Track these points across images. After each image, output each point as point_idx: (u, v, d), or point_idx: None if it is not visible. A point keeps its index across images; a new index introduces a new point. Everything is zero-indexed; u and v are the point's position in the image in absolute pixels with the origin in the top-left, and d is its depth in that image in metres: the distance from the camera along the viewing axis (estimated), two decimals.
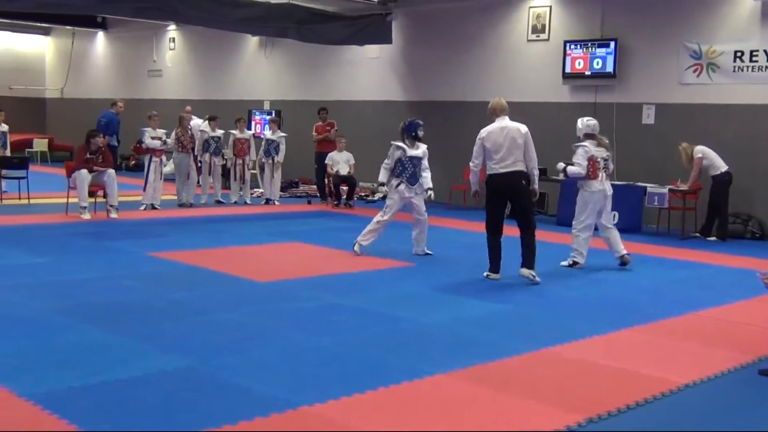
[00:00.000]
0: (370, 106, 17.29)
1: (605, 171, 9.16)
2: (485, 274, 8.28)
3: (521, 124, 8.20)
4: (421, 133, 9.48)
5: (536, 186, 8.29)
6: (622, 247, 9.20)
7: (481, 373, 5.16)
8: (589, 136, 9.15)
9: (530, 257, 8.10)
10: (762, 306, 7.20)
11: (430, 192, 9.65)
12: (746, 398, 4.97)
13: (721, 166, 11.97)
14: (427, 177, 9.60)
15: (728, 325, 6.75)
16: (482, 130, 8.28)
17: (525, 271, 8.07)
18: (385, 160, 9.53)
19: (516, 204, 8.21)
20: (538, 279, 8.05)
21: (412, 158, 9.39)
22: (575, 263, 9.15)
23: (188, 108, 16.59)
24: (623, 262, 9.19)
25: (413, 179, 9.42)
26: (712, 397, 4.92)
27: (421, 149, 9.49)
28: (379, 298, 7.34)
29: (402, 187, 9.39)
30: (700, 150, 12.02)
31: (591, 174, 9.04)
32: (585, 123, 9.21)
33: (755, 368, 5.47)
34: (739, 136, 12.49)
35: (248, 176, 15.42)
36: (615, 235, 9.20)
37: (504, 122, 8.19)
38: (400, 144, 9.39)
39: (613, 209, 12.17)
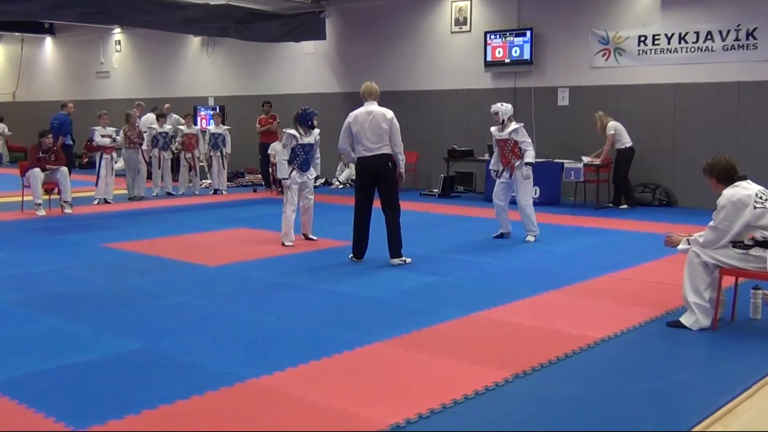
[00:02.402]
0: (308, 99, 17.02)
1: None
2: (349, 256, 7.99)
3: (387, 110, 7.76)
4: (315, 122, 9.09)
5: (402, 170, 7.86)
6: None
7: (417, 338, 5.20)
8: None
9: (395, 247, 7.79)
10: (670, 265, 7.36)
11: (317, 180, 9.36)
12: (656, 348, 5.09)
13: (627, 141, 12.22)
14: (317, 164, 9.31)
15: (640, 284, 6.91)
16: (350, 114, 7.85)
17: (395, 261, 7.76)
18: (281, 154, 9.07)
19: (381, 187, 7.84)
20: (409, 260, 7.80)
21: (303, 145, 8.99)
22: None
23: (167, 105, 16.82)
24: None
25: (305, 166, 9.07)
26: (625, 349, 5.04)
27: (313, 135, 9.09)
28: (322, 275, 7.32)
29: (294, 173, 9.05)
30: (613, 126, 12.22)
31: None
32: (507, 107, 9.21)
33: (664, 321, 5.62)
34: (644, 113, 12.74)
35: (198, 168, 15.23)
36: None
37: (371, 107, 7.78)
38: (293, 132, 8.97)
39: (534, 185, 12.30)
